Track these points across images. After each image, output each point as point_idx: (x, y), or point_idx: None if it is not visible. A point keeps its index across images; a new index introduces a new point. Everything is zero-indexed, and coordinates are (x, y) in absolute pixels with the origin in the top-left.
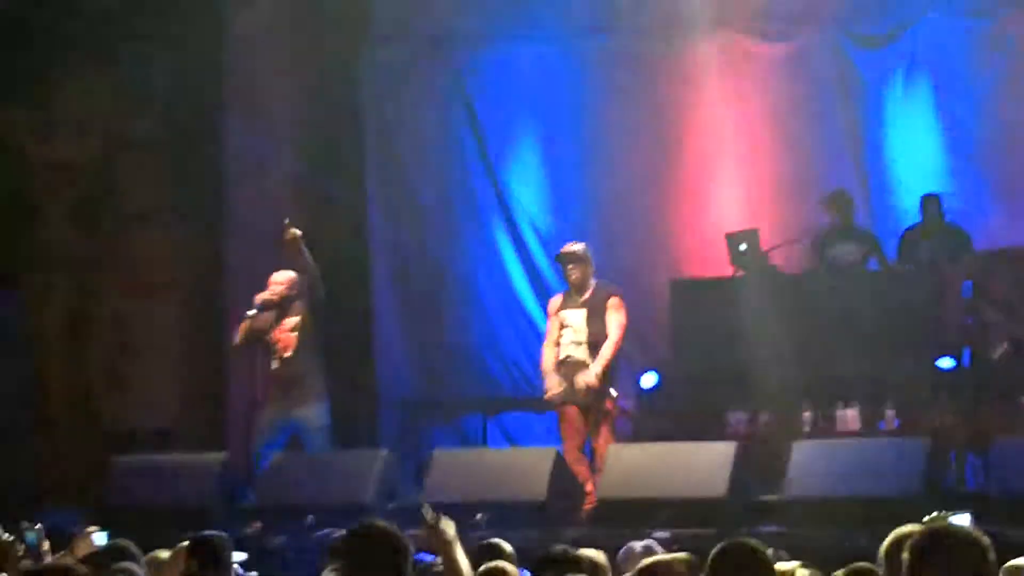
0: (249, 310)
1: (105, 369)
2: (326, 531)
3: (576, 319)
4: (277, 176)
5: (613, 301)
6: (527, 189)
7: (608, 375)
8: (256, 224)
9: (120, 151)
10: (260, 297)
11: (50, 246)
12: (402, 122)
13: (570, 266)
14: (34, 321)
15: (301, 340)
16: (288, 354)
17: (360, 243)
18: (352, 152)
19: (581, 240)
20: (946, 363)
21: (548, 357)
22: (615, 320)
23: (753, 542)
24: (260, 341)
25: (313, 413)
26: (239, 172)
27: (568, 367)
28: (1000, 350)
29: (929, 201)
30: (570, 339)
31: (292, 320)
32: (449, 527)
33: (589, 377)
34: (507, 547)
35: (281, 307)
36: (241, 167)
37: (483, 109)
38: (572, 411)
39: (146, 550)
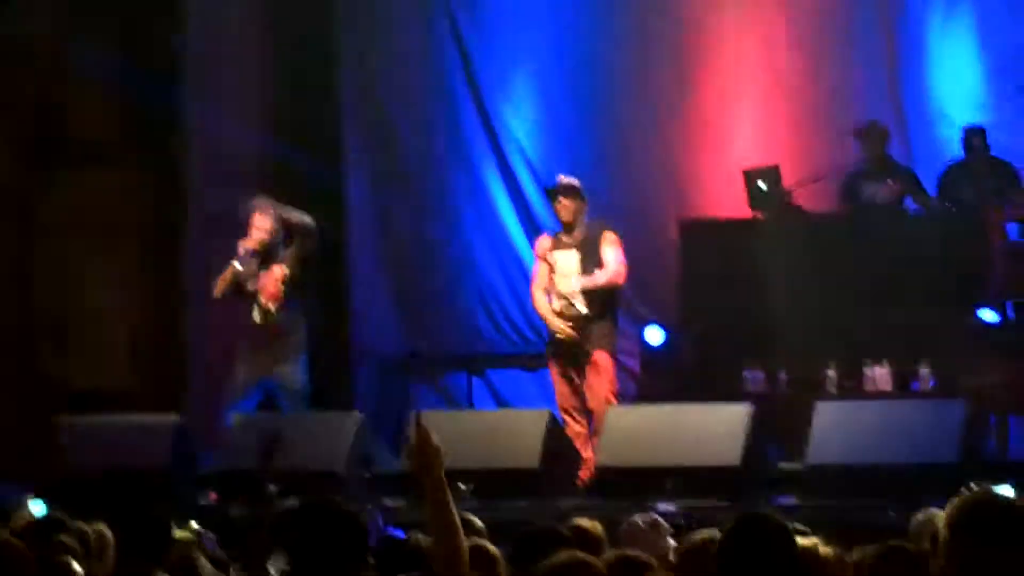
0: (233, 259)
1: (50, 322)
2: (292, 502)
3: (568, 262)
4: (245, 103)
5: (609, 236)
6: (520, 122)
7: (607, 320)
8: (221, 160)
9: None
10: (244, 244)
11: None
12: (380, 48)
13: (562, 200)
14: None
15: (286, 292)
16: (272, 306)
17: (334, 182)
18: (326, 81)
19: (579, 177)
20: (989, 316)
21: (541, 300)
22: (613, 255)
23: (773, 515)
24: (242, 292)
25: (293, 372)
26: (201, 108)
27: (560, 319)
28: None
29: (973, 134)
30: (562, 287)
31: (279, 270)
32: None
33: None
34: (477, 522)
35: (265, 255)
36: (203, 100)
37: (471, 31)
38: (562, 365)
39: (93, 520)
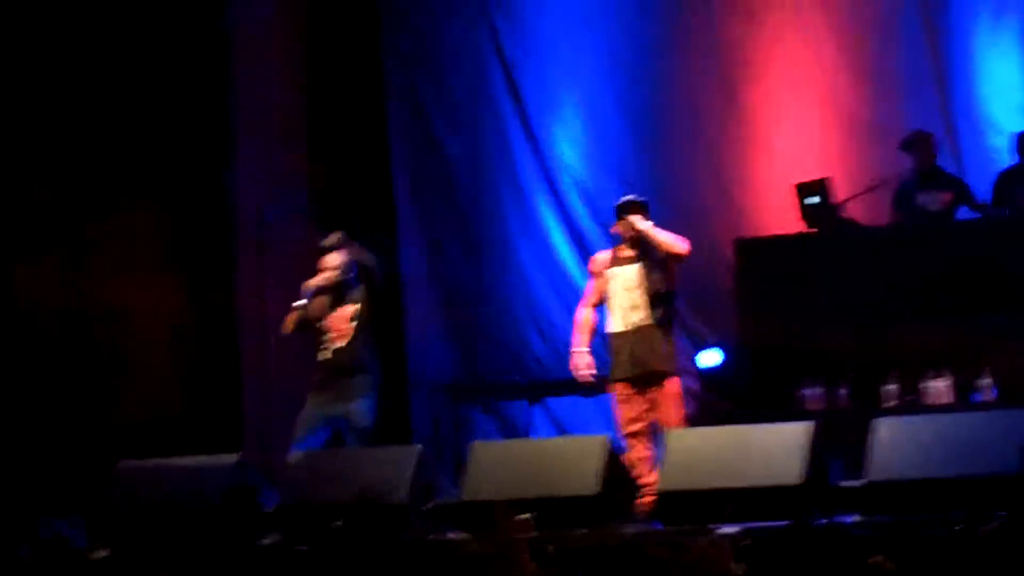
0: (299, 299)
1: (104, 360)
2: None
3: (629, 275)
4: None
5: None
6: (569, 145)
7: (670, 338)
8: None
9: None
10: (312, 283)
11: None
12: (429, 77)
13: (630, 218)
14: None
15: (358, 330)
16: (341, 344)
17: (386, 211)
18: (373, 109)
19: None
20: None
21: (581, 319)
22: (674, 238)
23: None
24: (312, 328)
25: (360, 410)
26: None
27: (623, 339)
28: None
29: None
30: (624, 303)
31: (350, 308)
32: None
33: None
34: None
35: (336, 292)
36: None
37: (517, 57)
38: (627, 388)
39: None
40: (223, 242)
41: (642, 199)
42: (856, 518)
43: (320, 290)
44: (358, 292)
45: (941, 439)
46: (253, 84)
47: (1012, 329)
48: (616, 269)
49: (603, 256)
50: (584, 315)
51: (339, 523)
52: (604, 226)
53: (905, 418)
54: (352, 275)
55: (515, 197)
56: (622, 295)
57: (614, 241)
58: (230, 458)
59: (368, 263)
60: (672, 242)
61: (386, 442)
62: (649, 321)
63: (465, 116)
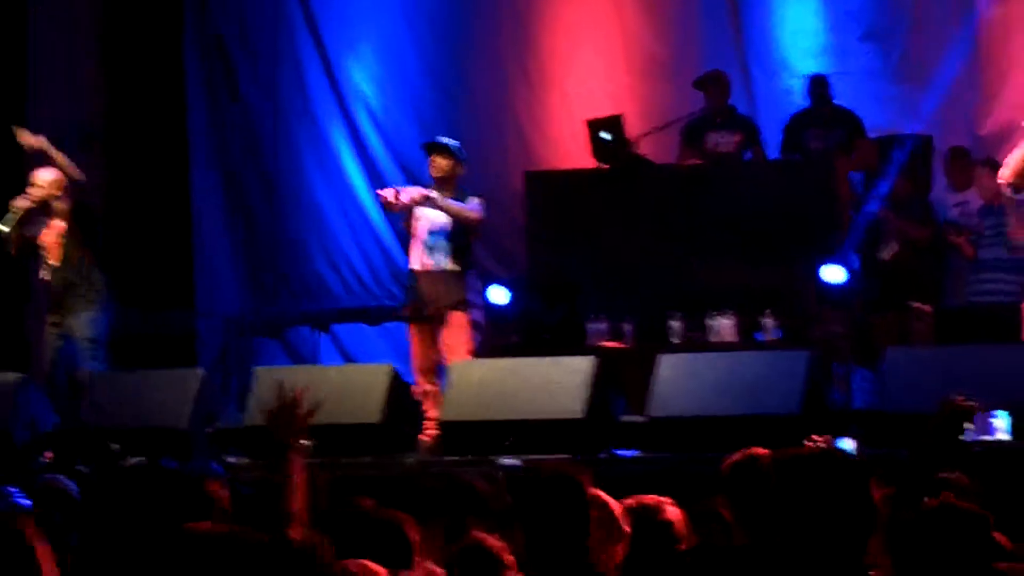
0: (2, 223)
1: None
2: (136, 460)
3: (432, 217)
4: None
5: (477, 198)
6: (365, 80)
7: (463, 279)
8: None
9: None
10: (16, 203)
11: None
12: (227, 12)
13: (435, 158)
14: None
15: (68, 247)
16: (56, 262)
17: (178, 141)
18: (170, 36)
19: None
20: (832, 274)
21: None
22: (477, 202)
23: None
24: (32, 248)
25: (81, 322)
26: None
27: (420, 277)
28: (890, 250)
29: (816, 83)
30: (425, 243)
31: (58, 225)
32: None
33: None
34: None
35: (47, 210)
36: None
37: None
38: (419, 323)
39: None
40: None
41: (449, 141)
42: (637, 453)
43: (29, 210)
44: (65, 209)
45: (723, 377)
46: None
47: (797, 272)
48: (423, 209)
49: (416, 191)
50: None
51: (117, 446)
52: (398, 159)
53: (688, 355)
54: (60, 191)
55: (310, 129)
56: (424, 236)
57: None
58: (13, 377)
59: (76, 177)
60: (459, 211)
61: (173, 366)
62: (446, 265)
63: (262, 50)
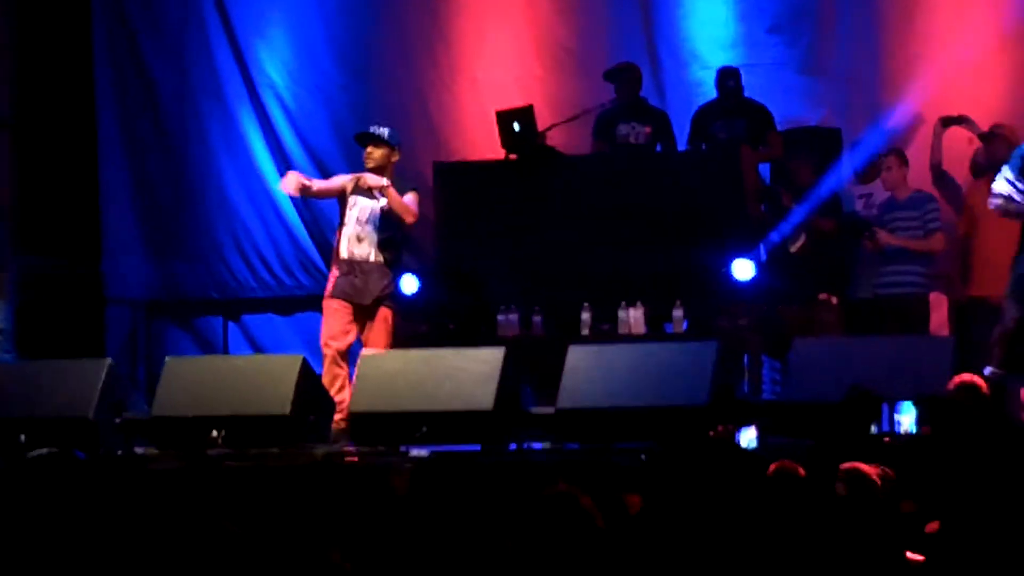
0: None
1: None
2: (42, 450)
3: (365, 207)
4: None
5: (412, 192)
6: (275, 65)
7: (391, 274)
8: None
9: None
10: None
11: None
12: None
13: (369, 148)
14: None
15: None
16: None
17: (86, 125)
18: (77, 14)
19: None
20: (742, 269)
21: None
22: (412, 198)
23: None
24: None
25: None
26: None
27: (347, 265)
28: (798, 242)
29: (727, 75)
30: (354, 232)
31: None
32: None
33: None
34: None
35: None
36: None
37: None
38: (343, 307)
39: None
40: None
41: (380, 131)
42: (546, 445)
43: None
44: None
45: (632, 369)
46: None
47: (706, 261)
48: (357, 197)
49: (351, 179)
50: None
51: (23, 437)
52: (307, 146)
53: (597, 347)
54: None
55: (219, 114)
56: (354, 225)
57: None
58: None
59: None
60: (403, 209)
61: (81, 357)
62: (374, 257)
63: (171, 33)
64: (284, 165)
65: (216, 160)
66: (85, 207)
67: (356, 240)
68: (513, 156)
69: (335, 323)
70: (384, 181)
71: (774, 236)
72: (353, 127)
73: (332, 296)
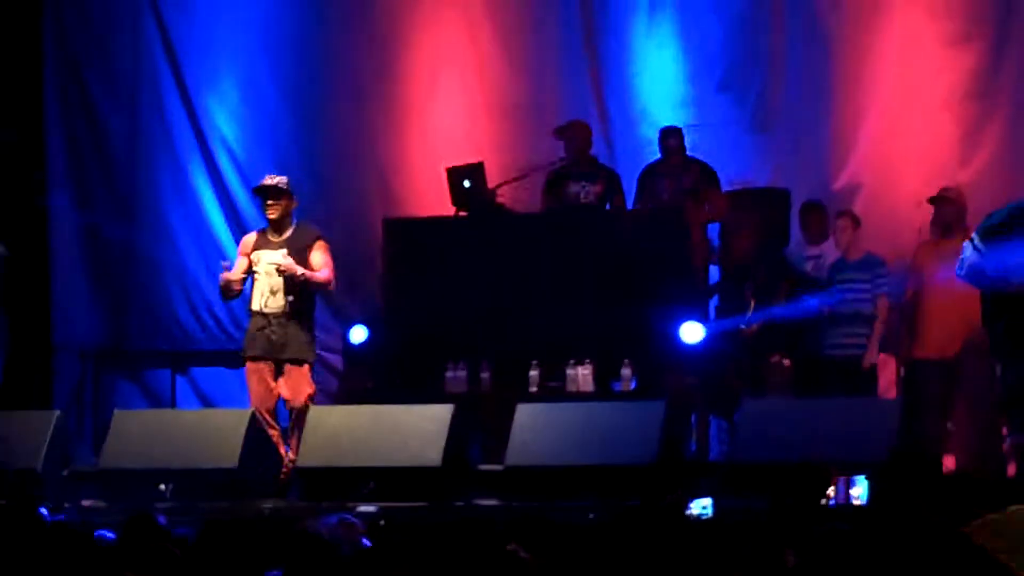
0: None
1: None
2: None
3: (273, 259)
4: None
5: (320, 244)
6: (226, 116)
7: (305, 327)
8: None
9: None
10: None
11: None
12: (88, 43)
13: (270, 201)
14: None
15: None
16: None
17: (35, 173)
18: (29, 67)
19: (285, 173)
20: (691, 333)
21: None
22: (322, 260)
23: None
24: None
25: None
26: None
27: (262, 320)
28: (752, 326)
29: (669, 134)
30: (265, 286)
31: None
32: None
33: (290, 264)
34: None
35: None
36: None
37: (178, 29)
38: (263, 367)
39: None
40: None
41: (279, 181)
42: (494, 502)
43: None
44: None
45: (579, 427)
46: None
47: (652, 321)
48: (262, 252)
49: (250, 237)
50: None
51: None
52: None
53: (546, 404)
54: None
55: (170, 165)
56: (264, 279)
57: (265, 222)
58: None
59: None
60: (326, 281)
61: (27, 406)
62: (287, 308)
63: (124, 84)
64: (233, 216)
65: (166, 210)
66: (33, 253)
67: (270, 294)
68: (463, 212)
69: (253, 385)
70: (298, 270)
71: (729, 320)
72: (304, 179)
73: (247, 357)
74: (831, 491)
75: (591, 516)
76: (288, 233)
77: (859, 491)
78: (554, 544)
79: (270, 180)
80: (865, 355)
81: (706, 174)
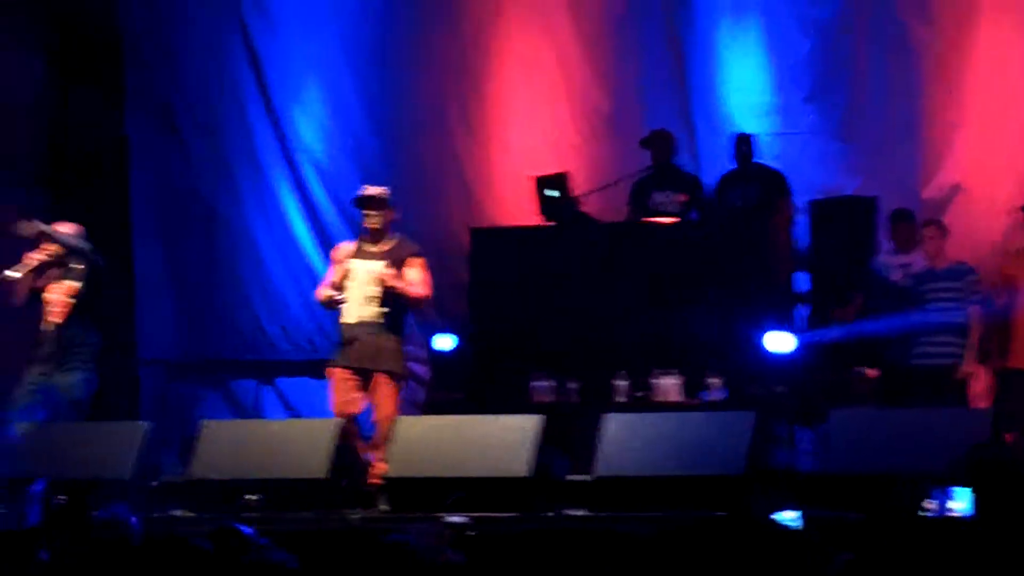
0: (13, 270)
1: None
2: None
3: (368, 269)
4: (24, 102)
5: (419, 260)
6: (310, 128)
7: (395, 338)
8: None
9: None
10: (34, 256)
11: None
12: (167, 50)
13: (371, 212)
14: None
15: (76, 308)
16: (59, 319)
17: (119, 186)
18: (112, 81)
19: (369, 183)
20: (778, 342)
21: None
22: (421, 277)
23: None
24: (38, 299)
25: (70, 381)
26: None
27: (353, 331)
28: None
29: (741, 142)
30: (359, 296)
31: (71, 286)
32: None
33: (394, 274)
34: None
35: (58, 268)
36: None
37: (263, 43)
38: (348, 375)
39: None
40: None
41: (380, 192)
42: (582, 512)
43: (44, 264)
44: (80, 271)
45: (668, 437)
46: None
47: (739, 329)
48: (357, 261)
49: (347, 246)
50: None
51: (63, 498)
52: (342, 209)
53: (633, 415)
54: (76, 253)
55: (254, 178)
56: (358, 288)
57: (360, 232)
58: None
59: (84, 247)
60: (421, 295)
61: (114, 418)
62: (380, 319)
63: (206, 97)
64: (318, 228)
65: (250, 220)
66: (119, 268)
67: (364, 304)
68: (550, 222)
69: (337, 392)
70: (399, 283)
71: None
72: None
73: (335, 365)
74: (929, 503)
75: (679, 528)
76: (386, 244)
77: (960, 504)
78: (638, 555)
79: (372, 190)
80: (960, 365)
81: (774, 181)
